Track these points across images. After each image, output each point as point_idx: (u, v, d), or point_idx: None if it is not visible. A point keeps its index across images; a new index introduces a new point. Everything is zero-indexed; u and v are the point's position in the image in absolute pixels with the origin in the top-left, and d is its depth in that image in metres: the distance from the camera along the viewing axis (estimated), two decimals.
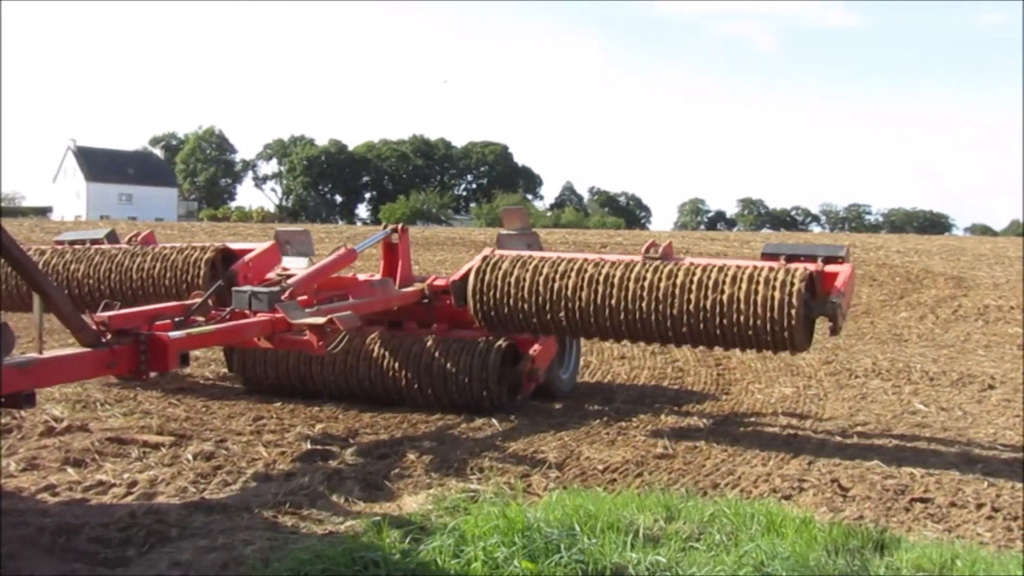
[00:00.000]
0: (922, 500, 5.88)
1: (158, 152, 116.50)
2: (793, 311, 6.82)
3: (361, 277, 9.04)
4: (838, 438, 7.61)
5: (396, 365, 8.30)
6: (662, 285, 7.19)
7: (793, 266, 7.05)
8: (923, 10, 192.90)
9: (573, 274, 7.51)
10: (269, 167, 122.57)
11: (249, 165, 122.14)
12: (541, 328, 7.86)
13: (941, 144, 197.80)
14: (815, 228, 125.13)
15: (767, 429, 7.86)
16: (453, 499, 5.53)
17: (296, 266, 8.74)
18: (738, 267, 7.14)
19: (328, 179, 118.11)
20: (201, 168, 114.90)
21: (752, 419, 8.26)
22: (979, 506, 5.76)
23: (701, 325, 7.11)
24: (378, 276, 9.06)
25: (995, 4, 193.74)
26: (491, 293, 7.75)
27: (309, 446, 6.77)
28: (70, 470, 5.96)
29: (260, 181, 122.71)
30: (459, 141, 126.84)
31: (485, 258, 7.95)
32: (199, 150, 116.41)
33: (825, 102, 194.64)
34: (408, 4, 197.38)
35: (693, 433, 7.60)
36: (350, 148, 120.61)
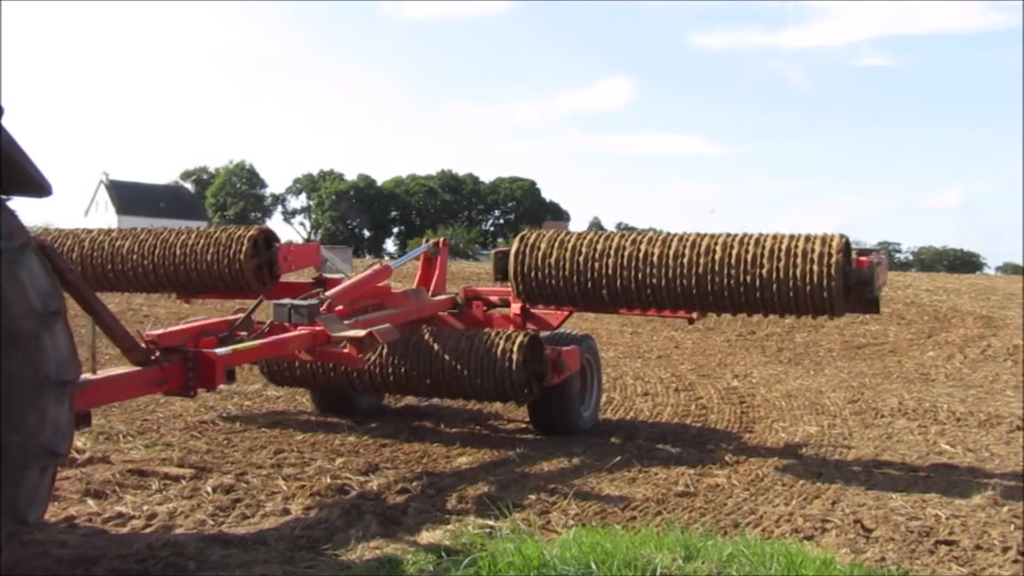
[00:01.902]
0: (947, 542, 5.77)
1: (189, 186, 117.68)
2: (833, 283, 7.00)
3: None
4: (863, 478, 7.51)
5: (420, 359, 8.34)
6: (702, 262, 7.31)
7: (830, 235, 7.14)
8: (954, 49, 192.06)
9: (612, 253, 7.57)
10: (298, 201, 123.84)
11: (279, 199, 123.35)
12: (584, 303, 8.07)
13: (976, 183, 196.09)
14: None
15: (790, 468, 7.78)
16: (470, 535, 5.50)
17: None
18: (774, 239, 7.25)
19: (357, 214, 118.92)
20: (231, 202, 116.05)
21: (775, 458, 8.17)
22: (1005, 549, 5.64)
23: (742, 298, 7.30)
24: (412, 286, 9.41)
25: None
26: (532, 274, 7.91)
27: (329, 480, 6.76)
28: (90, 501, 6.00)
29: (289, 215, 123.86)
30: (487, 176, 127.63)
31: (523, 237, 8.03)
32: (229, 184, 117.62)
33: (857, 140, 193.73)
34: (435, 42, 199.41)
35: (715, 471, 7.53)
36: (379, 183, 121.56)
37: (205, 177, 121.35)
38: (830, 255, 6.98)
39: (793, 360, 15.99)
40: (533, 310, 9.01)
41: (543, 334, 8.74)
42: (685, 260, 7.36)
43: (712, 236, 7.44)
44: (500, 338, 8.21)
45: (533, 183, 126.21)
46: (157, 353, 5.82)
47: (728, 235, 7.44)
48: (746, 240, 7.31)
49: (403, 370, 8.37)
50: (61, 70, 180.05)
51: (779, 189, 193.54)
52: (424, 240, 10.04)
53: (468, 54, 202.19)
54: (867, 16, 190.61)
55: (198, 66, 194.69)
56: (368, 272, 8.63)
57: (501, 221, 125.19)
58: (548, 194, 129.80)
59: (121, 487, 6.35)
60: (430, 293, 9.36)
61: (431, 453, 7.89)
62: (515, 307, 9.07)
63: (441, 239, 9.97)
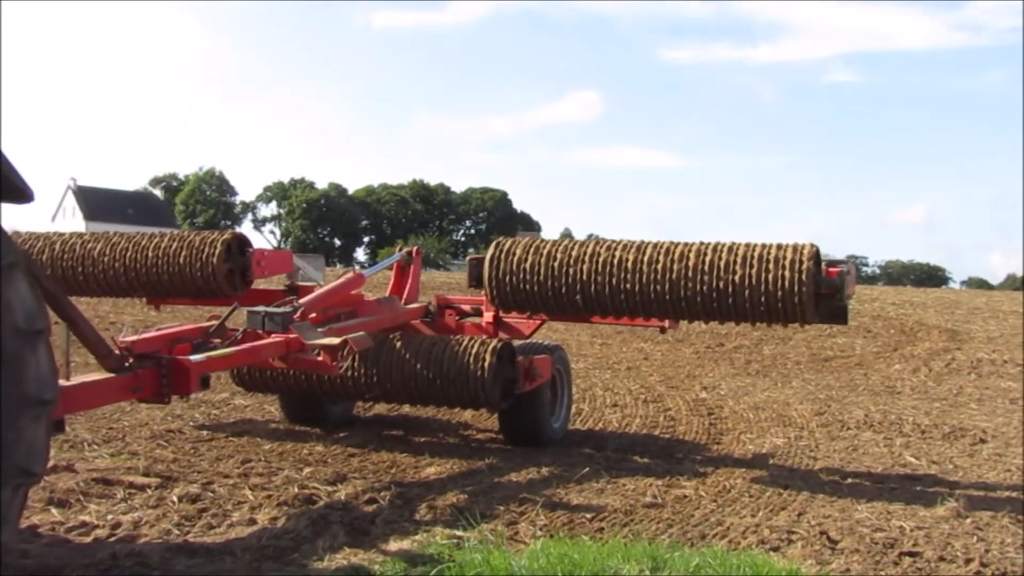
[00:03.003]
0: (911, 554, 5.83)
1: (158, 193, 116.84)
2: (804, 289, 7.09)
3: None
4: (828, 490, 7.57)
5: (393, 367, 8.33)
6: (675, 268, 7.38)
7: (801, 244, 7.24)
8: (919, 68, 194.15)
9: (587, 259, 7.60)
10: (268, 209, 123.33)
11: (249, 207, 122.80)
12: (557, 309, 8.03)
13: (942, 199, 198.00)
14: None
15: (757, 480, 7.82)
16: (438, 545, 5.49)
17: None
18: (747, 247, 7.35)
19: (327, 222, 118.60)
20: (201, 209, 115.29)
21: (743, 469, 8.21)
22: (967, 561, 5.72)
23: (715, 304, 7.35)
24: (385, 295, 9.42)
25: (998, 61, 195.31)
26: (507, 279, 7.90)
27: (296, 490, 6.72)
28: (54, 510, 5.92)
29: (259, 223, 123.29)
30: (459, 187, 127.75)
31: (499, 243, 8.03)
32: (199, 191, 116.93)
33: (825, 156, 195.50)
34: (406, 53, 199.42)
35: (683, 482, 7.56)
36: (350, 192, 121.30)
37: (175, 184, 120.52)
38: (801, 261, 7.10)
39: (761, 372, 16.09)
40: (506, 319, 9.02)
41: (515, 343, 8.76)
42: (659, 266, 7.41)
43: (686, 244, 7.51)
44: (473, 345, 8.21)
45: (504, 194, 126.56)
46: (131, 360, 5.77)
47: (702, 243, 7.50)
48: (719, 247, 7.39)
49: (376, 377, 8.34)
50: (29, 73, 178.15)
51: (747, 203, 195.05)
52: (397, 249, 10.04)
53: (439, 66, 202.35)
54: (836, 33, 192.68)
55: (169, 72, 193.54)
56: (342, 280, 8.62)
57: (472, 231, 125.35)
58: (519, 205, 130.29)
59: (85, 496, 6.28)
60: (403, 301, 9.38)
61: (400, 463, 7.87)
62: (488, 316, 9.08)
63: (415, 248, 9.99)
